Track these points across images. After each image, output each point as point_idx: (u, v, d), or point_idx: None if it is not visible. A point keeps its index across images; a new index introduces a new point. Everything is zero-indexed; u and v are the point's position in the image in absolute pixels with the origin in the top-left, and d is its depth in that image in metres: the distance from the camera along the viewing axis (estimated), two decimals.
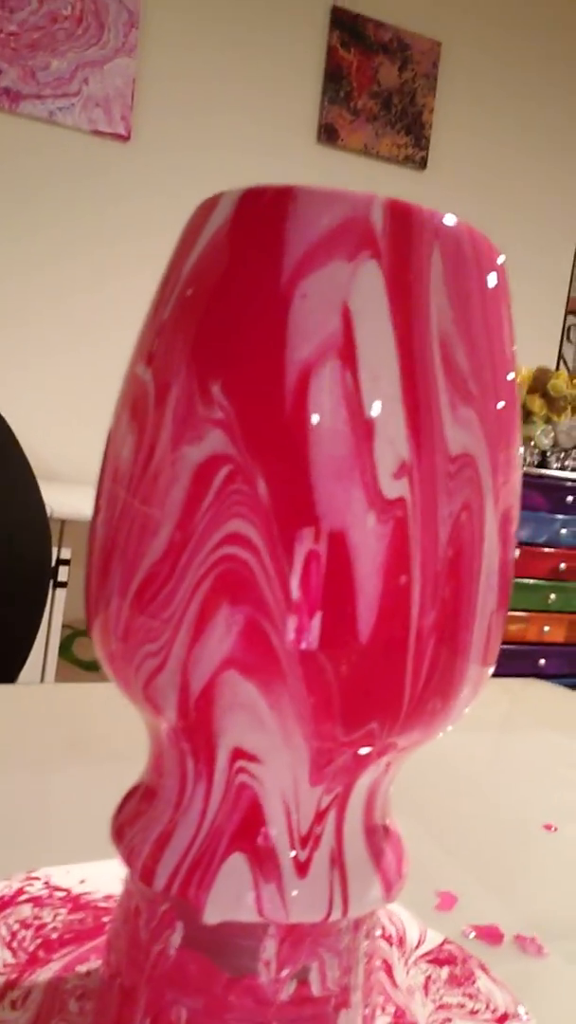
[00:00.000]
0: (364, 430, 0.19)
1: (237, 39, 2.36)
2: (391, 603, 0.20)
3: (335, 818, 0.22)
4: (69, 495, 1.85)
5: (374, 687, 0.20)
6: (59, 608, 1.78)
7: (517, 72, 2.74)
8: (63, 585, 1.76)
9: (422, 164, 2.65)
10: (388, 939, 0.31)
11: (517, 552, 2.11)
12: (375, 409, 0.19)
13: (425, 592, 0.20)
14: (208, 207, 0.22)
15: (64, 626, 2.05)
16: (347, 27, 2.51)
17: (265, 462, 0.19)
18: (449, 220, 0.21)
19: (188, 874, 0.22)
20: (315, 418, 0.19)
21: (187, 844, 0.22)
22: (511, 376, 0.22)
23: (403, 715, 0.20)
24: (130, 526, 0.21)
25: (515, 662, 2.16)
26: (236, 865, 0.22)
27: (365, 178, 2.58)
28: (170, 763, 0.23)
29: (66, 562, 1.74)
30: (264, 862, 0.22)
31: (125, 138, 2.26)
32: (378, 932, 0.31)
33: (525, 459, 2.14)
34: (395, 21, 2.56)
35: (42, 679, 1.80)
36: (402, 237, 0.20)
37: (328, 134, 2.52)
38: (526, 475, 2.16)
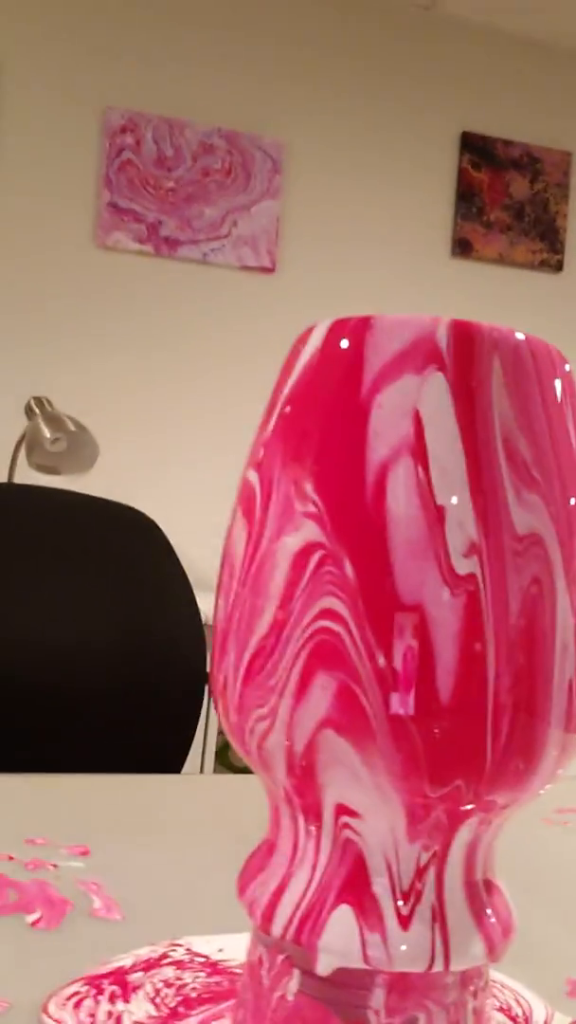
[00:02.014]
0: (436, 516, 0.22)
1: (371, 170, 2.52)
2: (468, 669, 0.22)
3: (435, 874, 0.24)
4: None
5: (456, 746, 0.22)
6: (215, 715, 1.83)
7: None
8: None
9: (558, 267, 2.69)
10: (514, 1019, 0.31)
11: None
12: (444, 497, 0.22)
13: (499, 659, 0.22)
14: (304, 337, 0.26)
15: (220, 732, 2.09)
16: (477, 148, 2.63)
17: (351, 547, 0.23)
18: (510, 334, 0.24)
19: (301, 922, 0.24)
20: (392, 508, 0.23)
21: (300, 894, 0.24)
22: None
23: (487, 774, 0.22)
24: (242, 608, 0.25)
25: None
26: (344, 915, 0.24)
27: (501, 284, 2.64)
28: (285, 820, 0.25)
29: None
30: (369, 913, 0.24)
31: (271, 270, 2.44)
32: (496, 1005, 0.31)
33: None
34: (524, 138, 2.66)
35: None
36: (465, 352, 0.24)
37: (462, 247, 2.62)
38: None
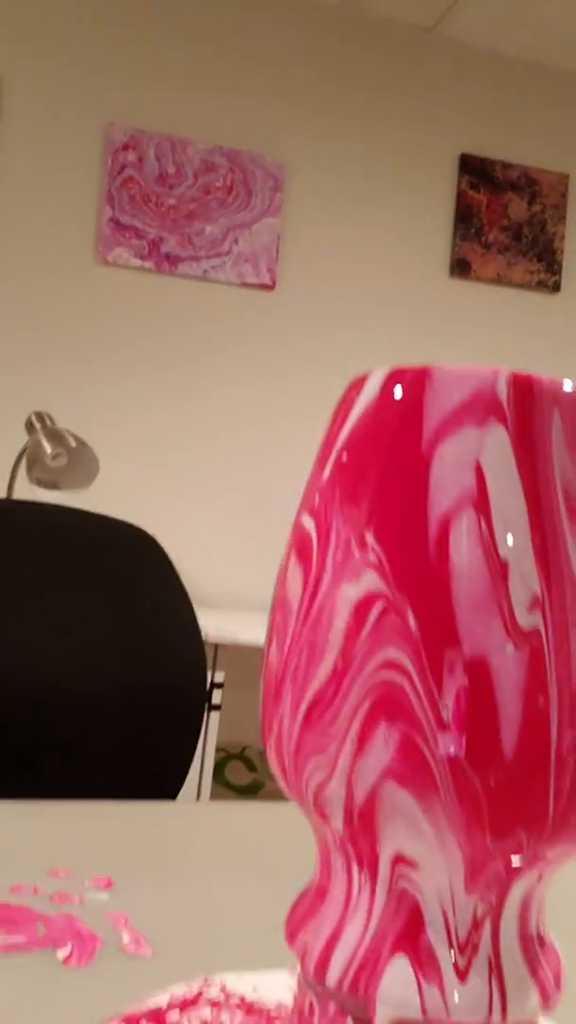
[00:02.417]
0: (499, 569, 0.23)
1: (371, 190, 2.54)
2: (531, 722, 0.22)
3: (491, 926, 0.24)
4: (224, 620, 1.92)
5: (519, 799, 0.22)
6: (213, 731, 1.82)
7: None
8: (217, 708, 1.81)
9: (555, 287, 2.71)
10: None
11: None
12: (508, 551, 0.23)
13: (563, 713, 0.22)
14: (358, 384, 0.27)
15: (218, 749, 2.08)
16: (475, 170, 2.65)
17: (414, 598, 0.23)
18: (568, 386, 0.24)
19: (357, 972, 0.24)
20: (455, 560, 0.23)
21: (355, 944, 0.24)
22: None
23: (549, 827, 0.23)
24: (299, 654, 0.25)
25: None
26: (401, 965, 0.24)
27: (499, 304, 2.66)
28: (337, 867, 0.25)
29: (220, 685, 1.80)
30: (426, 965, 0.24)
31: (271, 288, 2.45)
32: None
33: None
34: (522, 160, 2.68)
35: (197, 801, 1.83)
36: (525, 404, 0.24)
37: (461, 268, 2.64)
38: None
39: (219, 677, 1.79)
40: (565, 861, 0.24)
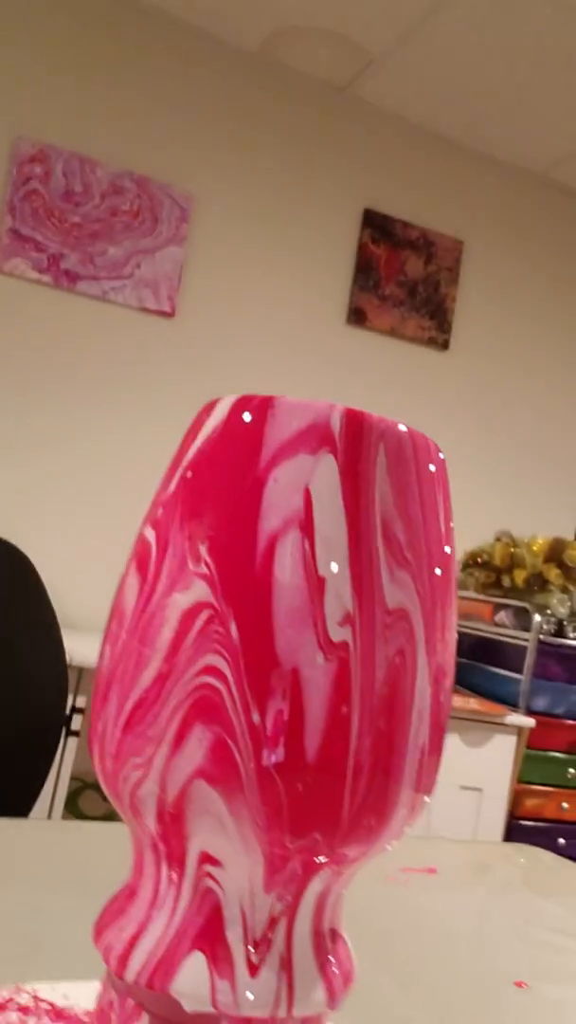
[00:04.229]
0: (317, 586, 0.24)
1: (277, 233, 2.60)
2: (333, 729, 0.24)
3: (286, 923, 0.25)
4: (90, 644, 1.88)
5: (317, 802, 0.24)
6: (70, 758, 1.78)
7: (532, 273, 2.97)
8: (75, 734, 1.77)
9: (444, 346, 2.84)
10: None
11: (532, 721, 2.09)
12: (326, 570, 0.25)
13: (363, 722, 0.24)
14: (209, 408, 0.28)
15: (73, 778, 2.03)
16: (377, 226, 2.76)
17: (237, 609, 0.24)
18: (395, 425, 0.27)
19: (155, 968, 0.25)
20: (278, 575, 0.24)
21: (157, 941, 0.25)
22: (447, 549, 0.28)
23: (343, 829, 0.24)
24: (128, 659, 0.26)
25: (533, 838, 2.08)
26: (196, 961, 0.25)
27: (392, 357, 2.76)
28: (148, 867, 0.26)
29: (80, 711, 1.76)
30: (221, 961, 0.25)
31: (170, 315, 2.46)
32: None
33: (542, 627, 2.16)
34: (421, 222, 2.81)
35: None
36: (355, 438, 0.26)
37: (357, 316, 2.72)
38: (543, 643, 2.16)
39: (80, 702, 1.75)
40: (362, 860, 0.26)
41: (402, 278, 2.81)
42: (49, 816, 1.77)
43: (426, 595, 0.26)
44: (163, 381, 2.46)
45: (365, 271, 2.74)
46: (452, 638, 0.27)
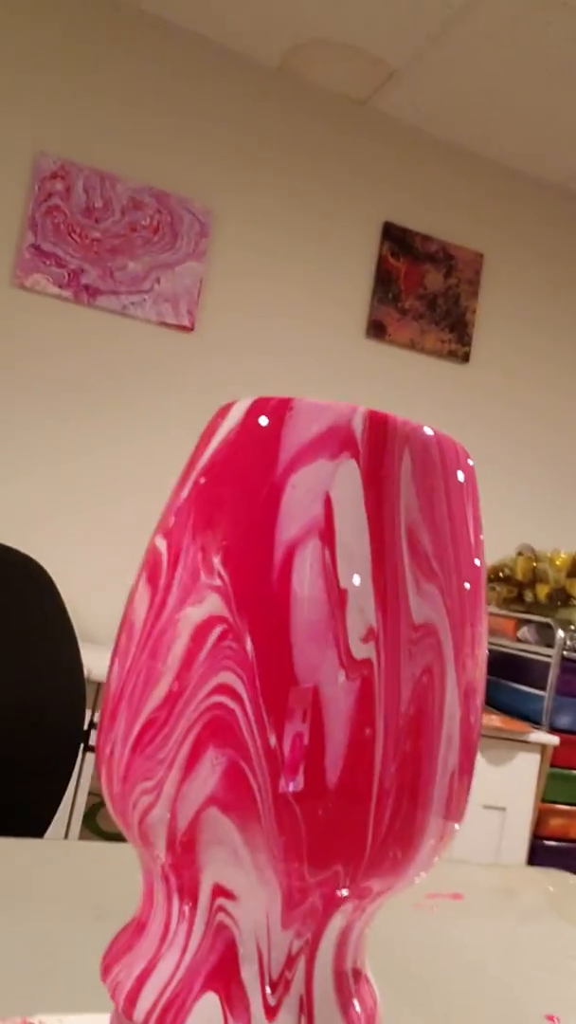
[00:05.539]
0: (338, 599, 0.23)
1: (296, 247, 2.60)
2: (356, 754, 0.22)
3: (305, 963, 0.24)
4: (108, 659, 1.87)
5: (339, 831, 0.22)
6: (88, 773, 1.76)
7: (553, 285, 2.95)
8: (93, 750, 1.75)
9: (465, 359, 2.82)
10: None
11: (556, 739, 2.05)
12: (348, 582, 0.23)
13: (388, 745, 0.23)
14: (223, 411, 0.27)
15: (91, 794, 2.02)
16: (397, 239, 2.75)
17: (253, 623, 0.23)
18: (420, 429, 0.25)
19: (165, 1008, 0.23)
20: (297, 588, 0.23)
21: (167, 979, 0.24)
22: (477, 561, 0.26)
23: (366, 860, 0.22)
24: (138, 676, 0.24)
25: (557, 859, 2.04)
26: (209, 1003, 0.23)
27: (411, 370, 2.74)
28: (159, 898, 0.25)
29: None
30: (235, 1002, 0.23)
31: (189, 329, 2.46)
32: None
33: (565, 643, 2.12)
34: (441, 235, 2.80)
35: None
36: (378, 441, 0.24)
37: (377, 330, 2.71)
38: (566, 659, 2.13)
39: (99, 717, 1.74)
40: (387, 894, 0.24)
41: (422, 291, 2.80)
42: (67, 833, 1.75)
43: (455, 609, 0.24)
44: (183, 395, 2.45)
45: (385, 284, 2.73)
46: (482, 655, 0.26)
